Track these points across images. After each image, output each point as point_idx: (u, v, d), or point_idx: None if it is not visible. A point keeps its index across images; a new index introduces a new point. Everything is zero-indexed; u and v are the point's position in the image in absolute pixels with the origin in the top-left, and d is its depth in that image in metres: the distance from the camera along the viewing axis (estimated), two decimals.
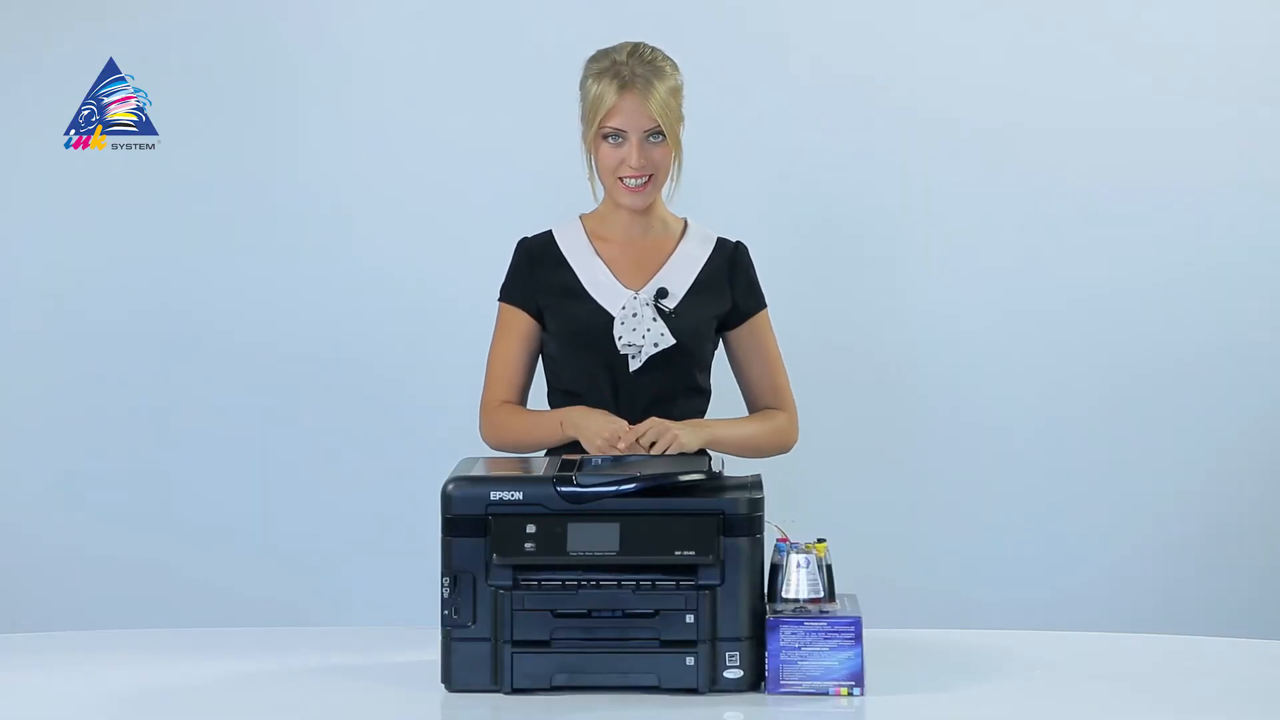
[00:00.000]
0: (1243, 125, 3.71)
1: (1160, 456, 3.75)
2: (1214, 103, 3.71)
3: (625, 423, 2.67)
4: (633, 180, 2.79)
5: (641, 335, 2.80)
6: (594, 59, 2.84)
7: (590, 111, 2.81)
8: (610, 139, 2.79)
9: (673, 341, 2.81)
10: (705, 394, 2.90)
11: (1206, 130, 3.71)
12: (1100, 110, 3.71)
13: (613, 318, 2.82)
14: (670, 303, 2.83)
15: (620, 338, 2.80)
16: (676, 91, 2.83)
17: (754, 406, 2.92)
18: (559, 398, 2.88)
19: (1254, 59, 3.72)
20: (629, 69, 2.79)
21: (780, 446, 2.88)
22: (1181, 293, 3.73)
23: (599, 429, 2.66)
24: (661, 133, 2.78)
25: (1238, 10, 3.72)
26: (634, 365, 2.81)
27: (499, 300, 2.90)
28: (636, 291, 2.84)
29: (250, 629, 2.80)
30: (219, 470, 3.76)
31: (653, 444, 2.61)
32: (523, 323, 2.87)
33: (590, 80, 2.82)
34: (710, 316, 2.86)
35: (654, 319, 2.81)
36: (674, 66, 2.84)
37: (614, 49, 2.83)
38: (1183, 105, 3.71)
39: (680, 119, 2.84)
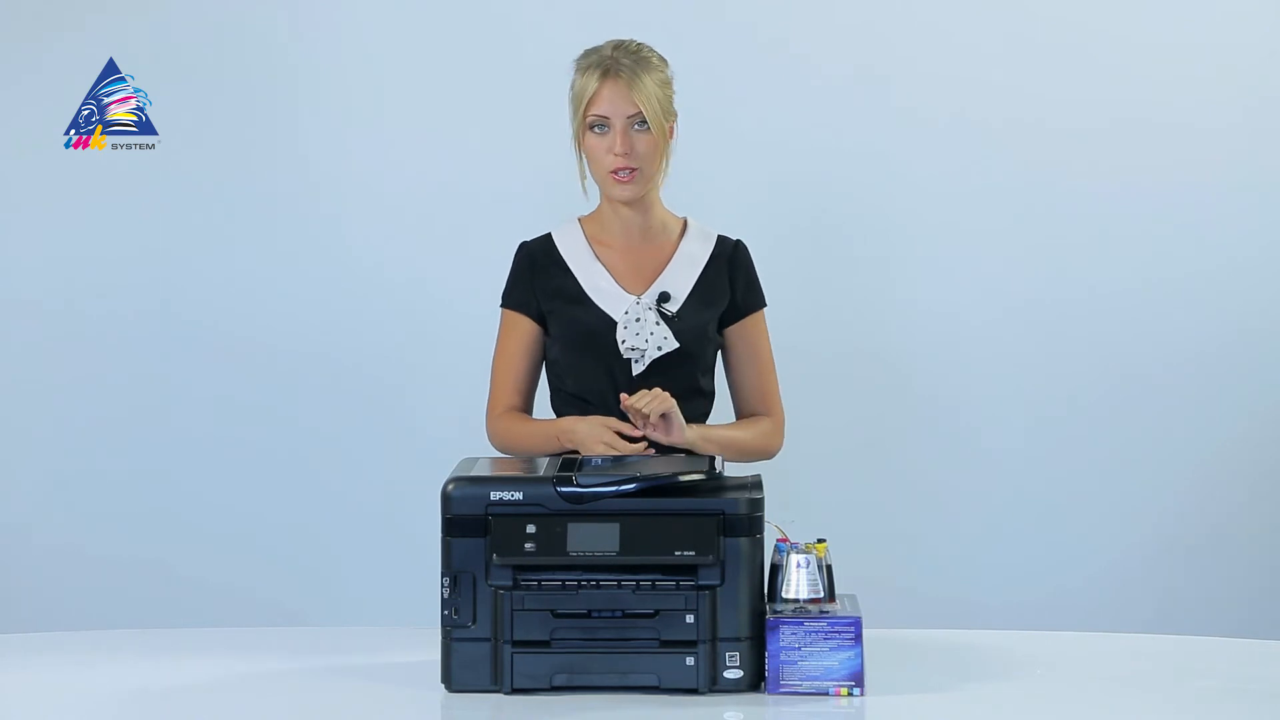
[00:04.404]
0: (1244, 124, 3.71)
1: (1160, 456, 3.75)
2: (1214, 102, 3.71)
3: (614, 433, 2.68)
4: (621, 171, 2.78)
5: (645, 340, 2.80)
6: (580, 57, 2.84)
7: (575, 105, 2.81)
8: (595, 129, 2.79)
9: (676, 345, 2.81)
10: (709, 395, 2.90)
11: (1207, 129, 3.71)
12: (1100, 109, 3.71)
13: (615, 322, 2.82)
14: (672, 306, 2.83)
15: (624, 342, 2.80)
16: (665, 84, 2.82)
17: (742, 408, 2.92)
18: (563, 401, 2.88)
19: (1255, 58, 3.72)
20: (612, 59, 2.79)
21: (764, 453, 2.88)
22: (1182, 292, 3.73)
23: (595, 438, 2.66)
24: (647, 121, 2.78)
25: (1239, 9, 3.72)
26: (637, 370, 2.81)
27: (501, 305, 2.90)
28: (638, 296, 2.83)
29: (250, 629, 2.80)
30: (218, 470, 3.76)
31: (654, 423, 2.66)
32: (525, 327, 2.87)
33: (576, 76, 2.83)
34: (712, 318, 2.86)
35: (656, 323, 2.81)
36: (662, 60, 2.84)
37: (600, 46, 2.84)
38: (1182, 104, 3.71)
39: (671, 113, 2.84)
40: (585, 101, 2.79)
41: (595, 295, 2.84)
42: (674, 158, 2.87)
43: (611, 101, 2.77)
